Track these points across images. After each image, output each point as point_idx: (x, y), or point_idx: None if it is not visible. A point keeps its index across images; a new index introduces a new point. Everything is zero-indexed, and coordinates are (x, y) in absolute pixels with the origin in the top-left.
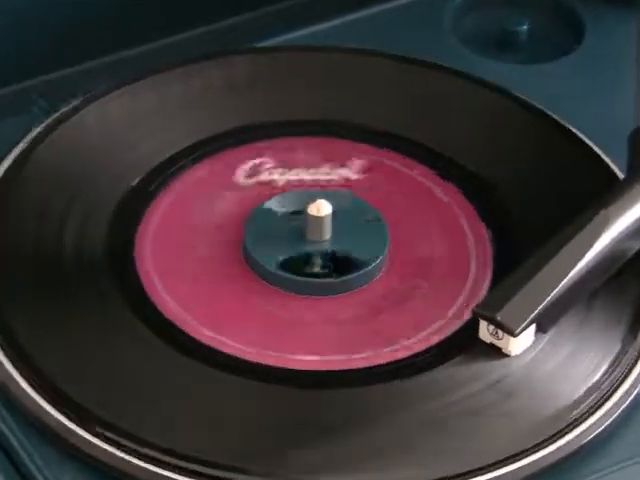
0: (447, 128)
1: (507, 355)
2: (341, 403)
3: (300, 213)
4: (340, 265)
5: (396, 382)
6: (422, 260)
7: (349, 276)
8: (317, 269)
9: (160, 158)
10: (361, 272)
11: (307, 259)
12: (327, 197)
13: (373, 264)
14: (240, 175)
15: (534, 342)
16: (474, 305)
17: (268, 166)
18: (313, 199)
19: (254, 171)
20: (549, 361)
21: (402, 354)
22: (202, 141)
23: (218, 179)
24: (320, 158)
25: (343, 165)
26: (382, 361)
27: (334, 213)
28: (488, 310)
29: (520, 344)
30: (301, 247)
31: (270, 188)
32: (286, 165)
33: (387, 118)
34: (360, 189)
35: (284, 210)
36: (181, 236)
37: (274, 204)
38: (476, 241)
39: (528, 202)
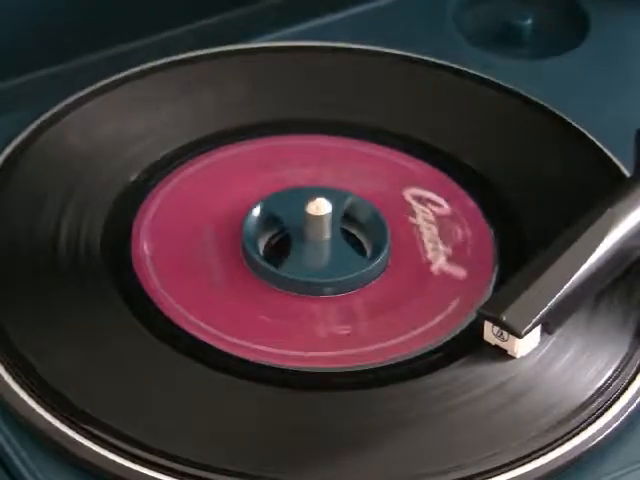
0: (448, 126)
1: (512, 357)
2: (340, 406)
3: (299, 212)
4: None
5: (398, 385)
6: (424, 259)
7: (349, 275)
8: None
9: (158, 154)
10: (362, 272)
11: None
12: (326, 196)
13: (374, 263)
14: (411, 199)
15: (540, 344)
16: (478, 305)
17: (432, 207)
18: (312, 198)
19: (423, 200)
20: (555, 363)
21: (404, 356)
22: (202, 138)
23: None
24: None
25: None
26: (384, 363)
27: (334, 212)
28: (493, 311)
29: (525, 346)
30: (300, 246)
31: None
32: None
33: (388, 116)
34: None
35: (283, 208)
36: (179, 233)
37: (272, 202)
38: (480, 240)
39: (532, 200)
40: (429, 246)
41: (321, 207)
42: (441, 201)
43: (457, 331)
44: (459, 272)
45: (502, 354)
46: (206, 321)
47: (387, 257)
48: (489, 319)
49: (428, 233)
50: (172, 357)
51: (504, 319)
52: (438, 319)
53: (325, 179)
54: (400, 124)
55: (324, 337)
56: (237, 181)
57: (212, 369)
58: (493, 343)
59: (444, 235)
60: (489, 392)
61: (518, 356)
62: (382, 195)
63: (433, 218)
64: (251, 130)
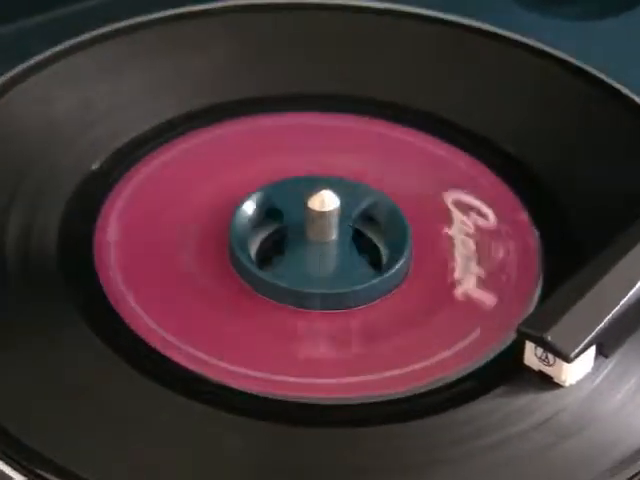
0: (485, 104)
1: (559, 386)
2: (345, 446)
3: (298, 207)
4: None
5: (419, 421)
6: (450, 279)
7: (362, 286)
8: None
9: (124, 138)
10: (377, 281)
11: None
12: (331, 187)
13: (391, 271)
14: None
15: (593, 369)
16: (519, 323)
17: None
18: (315, 190)
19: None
20: (612, 394)
21: (427, 385)
22: (176, 118)
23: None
24: None
25: None
26: (402, 394)
27: (342, 207)
28: (535, 328)
29: (576, 372)
30: (301, 249)
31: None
32: None
33: (408, 91)
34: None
35: (278, 204)
36: (155, 235)
37: (265, 196)
38: (522, 241)
39: (584, 192)
40: (459, 264)
41: (326, 201)
42: (487, 211)
43: (492, 355)
44: (489, 297)
45: (547, 382)
46: (189, 344)
47: (402, 271)
48: (531, 339)
49: (462, 249)
50: (142, 383)
51: (549, 339)
52: (467, 341)
53: (336, 168)
54: (425, 101)
55: (328, 362)
56: (224, 169)
57: (195, 402)
58: (536, 368)
59: (482, 253)
60: (532, 429)
61: (567, 384)
62: (413, 194)
63: (473, 231)
64: (240, 107)
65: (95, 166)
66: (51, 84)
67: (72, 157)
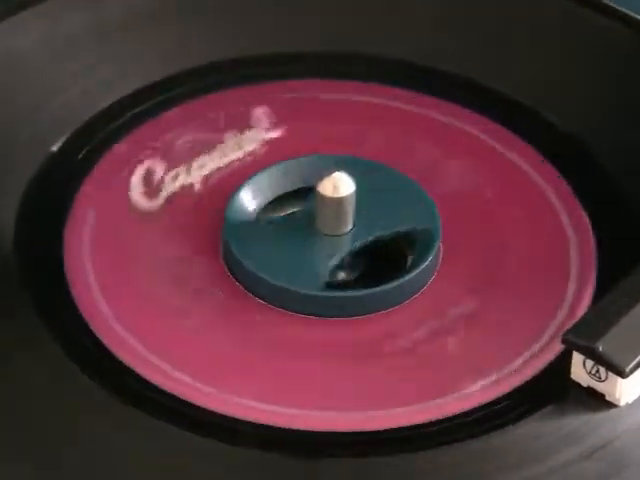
0: (534, 72)
1: (613, 405)
2: (370, 476)
3: (306, 192)
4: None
5: (450, 448)
6: (493, 263)
7: (381, 288)
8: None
9: (92, 111)
10: (399, 282)
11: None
12: (346, 168)
13: (416, 271)
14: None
15: None
16: (564, 331)
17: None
18: (327, 172)
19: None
20: None
21: (460, 407)
22: (152, 85)
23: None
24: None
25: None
26: (429, 418)
27: (358, 192)
28: (585, 338)
29: (632, 389)
30: (309, 244)
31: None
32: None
33: (435, 53)
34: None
35: (281, 189)
36: (132, 228)
37: (265, 180)
38: (576, 237)
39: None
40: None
41: (340, 185)
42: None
43: (535, 370)
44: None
45: (598, 401)
46: (174, 362)
47: (435, 259)
48: (580, 350)
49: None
50: (120, 410)
51: (601, 349)
52: (514, 351)
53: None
54: (456, 65)
55: (345, 383)
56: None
57: (185, 431)
58: (585, 385)
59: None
60: (579, 459)
61: (621, 403)
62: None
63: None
64: (232, 70)
65: (58, 145)
66: (5, 49)
67: (29, 136)
